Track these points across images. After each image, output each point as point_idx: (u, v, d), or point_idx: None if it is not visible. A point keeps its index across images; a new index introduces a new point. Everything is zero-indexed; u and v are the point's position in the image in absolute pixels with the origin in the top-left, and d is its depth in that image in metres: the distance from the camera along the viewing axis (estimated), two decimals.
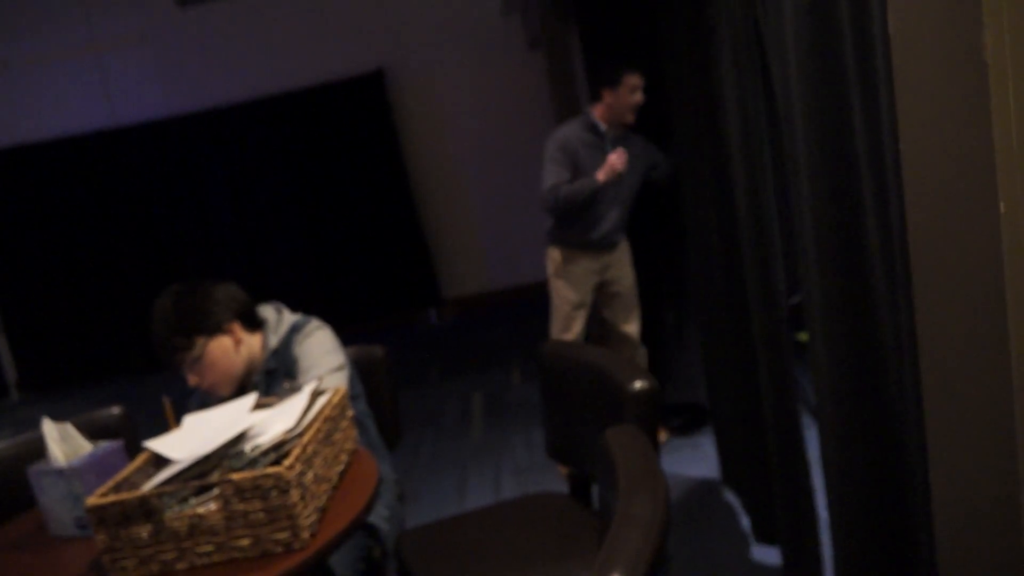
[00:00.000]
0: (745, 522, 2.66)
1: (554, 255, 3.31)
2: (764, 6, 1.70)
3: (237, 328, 1.93)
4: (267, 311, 2.05)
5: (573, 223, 3.21)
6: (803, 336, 1.93)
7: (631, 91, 3.10)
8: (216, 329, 1.89)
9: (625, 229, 3.33)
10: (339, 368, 1.96)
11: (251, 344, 1.97)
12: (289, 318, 2.05)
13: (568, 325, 3.33)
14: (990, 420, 0.97)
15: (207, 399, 1.99)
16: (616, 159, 2.99)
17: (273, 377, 1.97)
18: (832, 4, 1.39)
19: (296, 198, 6.36)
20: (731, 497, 2.86)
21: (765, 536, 2.48)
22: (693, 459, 3.20)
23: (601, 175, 3.02)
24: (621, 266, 3.36)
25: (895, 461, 1.45)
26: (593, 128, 3.17)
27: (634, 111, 3.14)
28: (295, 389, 1.72)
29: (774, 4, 1.61)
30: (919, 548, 1.38)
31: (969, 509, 1.05)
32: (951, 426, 1.06)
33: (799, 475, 2.07)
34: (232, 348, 1.92)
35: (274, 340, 1.99)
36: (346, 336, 2.16)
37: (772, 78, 1.70)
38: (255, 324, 1.99)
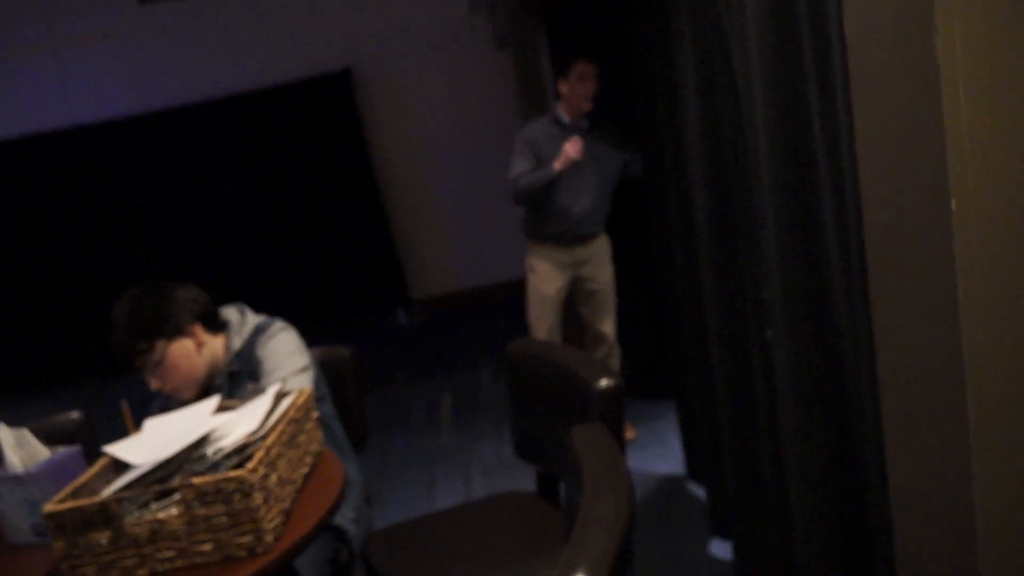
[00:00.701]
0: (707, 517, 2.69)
1: (528, 247, 3.35)
2: (728, 6, 1.71)
3: (199, 330, 1.90)
4: (230, 312, 2.02)
5: (537, 215, 3.25)
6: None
7: (580, 78, 3.13)
8: (177, 331, 1.86)
9: (600, 224, 3.33)
10: (303, 369, 1.94)
11: (213, 346, 1.94)
12: (253, 319, 2.02)
13: (538, 317, 3.35)
14: (944, 412, 0.99)
15: (169, 403, 1.96)
16: (570, 147, 3.03)
17: (237, 379, 1.95)
18: (791, 6, 1.41)
19: (262, 198, 6.27)
20: (697, 492, 2.89)
21: (721, 530, 2.52)
22: (660, 456, 3.23)
23: (557, 164, 3.06)
24: (598, 262, 3.36)
25: (853, 454, 1.47)
26: (557, 121, 3.22)
27: (588, 98, 3.16)
28: (259, 391, 1.70)
29: (737, 6, 1.63)
30: (877, 539, 1.41)
31: (925, 502, 1.07)
32: (907, 419, 1.08)
33: (758, 470, 2.09)
34: (194, 351, 1.89)
35: (237, 342, 1.97)
36: (314, 337, 2.14)
37: (736, 78, 1.72)
38: (217, 326, 1.96)
